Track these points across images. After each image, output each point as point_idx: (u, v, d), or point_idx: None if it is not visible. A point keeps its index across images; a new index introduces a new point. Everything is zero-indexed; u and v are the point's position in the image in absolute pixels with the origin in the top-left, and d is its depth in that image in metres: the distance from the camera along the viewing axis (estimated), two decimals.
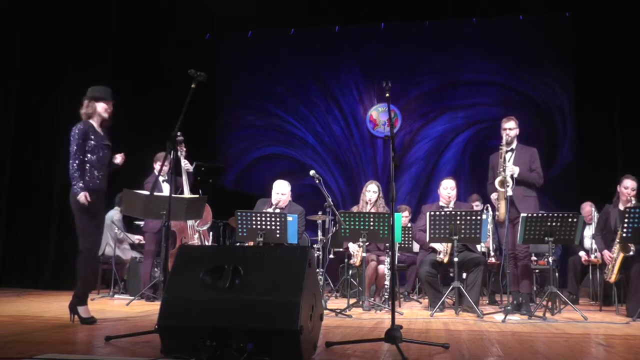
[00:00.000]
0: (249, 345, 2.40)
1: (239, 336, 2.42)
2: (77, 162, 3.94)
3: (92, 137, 4.01)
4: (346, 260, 6.18)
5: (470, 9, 8.84)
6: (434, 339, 3.27)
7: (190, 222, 5.94)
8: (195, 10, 8.59)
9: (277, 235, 5.06)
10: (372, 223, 5.03)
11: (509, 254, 5.08)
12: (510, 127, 5.15)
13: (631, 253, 5.13)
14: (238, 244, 5.64)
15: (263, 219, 5.06)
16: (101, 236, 4.26)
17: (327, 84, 9.83)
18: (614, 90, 8.08)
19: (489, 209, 6.07)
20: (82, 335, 3.43)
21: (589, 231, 6.36)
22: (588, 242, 6.39)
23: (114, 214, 6.78)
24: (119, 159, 4.26)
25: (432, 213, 5.09)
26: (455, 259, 5.06)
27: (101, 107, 4.09)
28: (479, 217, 5.00)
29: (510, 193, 4.93)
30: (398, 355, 2.72)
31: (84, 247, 3.95)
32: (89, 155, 3.99)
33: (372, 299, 5.68)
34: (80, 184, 3.90)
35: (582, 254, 6.33)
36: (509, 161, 5.07)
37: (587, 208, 6.64)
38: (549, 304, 5.08)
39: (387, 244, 5.58)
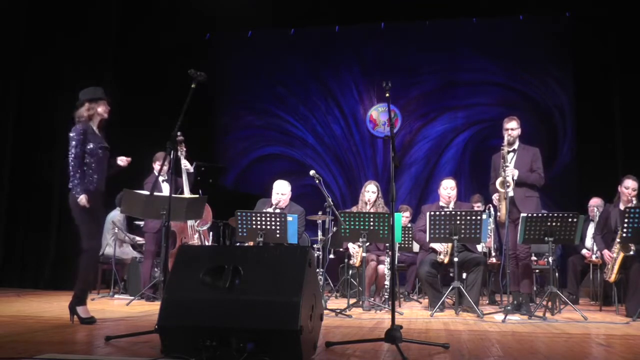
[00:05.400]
0: (249, 345, 2.40)
1: (239, 336, 2.42)
2: (76, 164, 3.93)
3: (91, 139, 4.00)
4: (346, 260, 6.17)
5: (470, 9, 8.83)
6: (434, 339, 3.28)
7: (190, 222, 5.94)
8: (195, 11, 8.58)
9: (277, 235, 5.06)
10: (372, 223, 5.03)
11: (510, 254, 5.07)
12: (512, 127, 5.14)
13: (631, 253, 5.13)
14: (238, 244, 5.64)
15: (263, 219, 5.06)
16: (102, 236, 4.26)
17: (327, 84, 9.82)
18: (614, 90, 8.08)
19: (490, 209, 6.07)
20: (82, 335, 3.43)
21: (591, 230, 6.35)
22: (589, 241, 6.38)
23: (115, 214, 6.77)
24: (124, 161, 4.25)
25: (432, 213, 5.09)
26: (455, 259, 5.06)
27: (102, 108, 4.10)
28: (479, 217, 5.00)
29: (511, 194, 4.93)
30: (398, 355, 2.72)
31: (88, 246, 3.97)
32: (87, 157, 3.98)
33: (372, 299, 5.67)
34: (81, 187, 3.90)
35: (584, 251, 6.32)
36: (510, 161, 5.07)
37: (593, 201, 6.61)
38: (549, 304, 5.08)
39: (387, 244, 5.58)
